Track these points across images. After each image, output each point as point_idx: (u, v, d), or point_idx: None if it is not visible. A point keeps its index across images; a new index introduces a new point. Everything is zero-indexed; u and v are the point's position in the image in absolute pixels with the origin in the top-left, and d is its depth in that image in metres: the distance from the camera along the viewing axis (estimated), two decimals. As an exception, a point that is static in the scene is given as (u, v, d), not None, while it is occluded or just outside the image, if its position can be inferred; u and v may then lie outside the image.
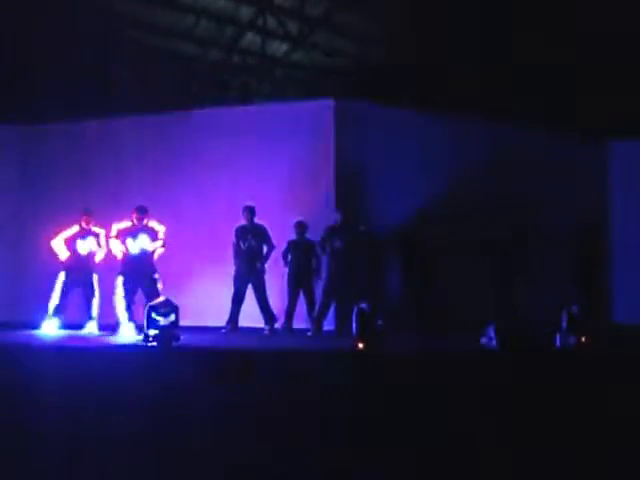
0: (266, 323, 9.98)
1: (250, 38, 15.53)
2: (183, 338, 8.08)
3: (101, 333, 9.54)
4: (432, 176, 11.22)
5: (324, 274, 10.11)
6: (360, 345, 7.73)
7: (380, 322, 8.00)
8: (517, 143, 11.79)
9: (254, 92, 16.04)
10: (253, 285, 10.00)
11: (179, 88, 14.98)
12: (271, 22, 15.15)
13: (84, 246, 9.93)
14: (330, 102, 10.93)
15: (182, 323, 8.22)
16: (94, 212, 10.08)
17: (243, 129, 11.08)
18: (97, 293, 9.87)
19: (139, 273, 9.46)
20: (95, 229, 10.02)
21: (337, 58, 15.88)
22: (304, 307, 10.16)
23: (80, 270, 9.86)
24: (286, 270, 10.18)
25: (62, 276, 9.84)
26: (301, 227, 10.15)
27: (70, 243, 9.91)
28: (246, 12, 15.00)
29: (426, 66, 14.20)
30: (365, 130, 10.97)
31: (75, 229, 9.97)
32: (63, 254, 9.89)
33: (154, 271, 9.55)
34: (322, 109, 10.90)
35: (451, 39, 13.80)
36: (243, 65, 15.95)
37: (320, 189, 10.74)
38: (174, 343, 7.90)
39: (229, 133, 11.14)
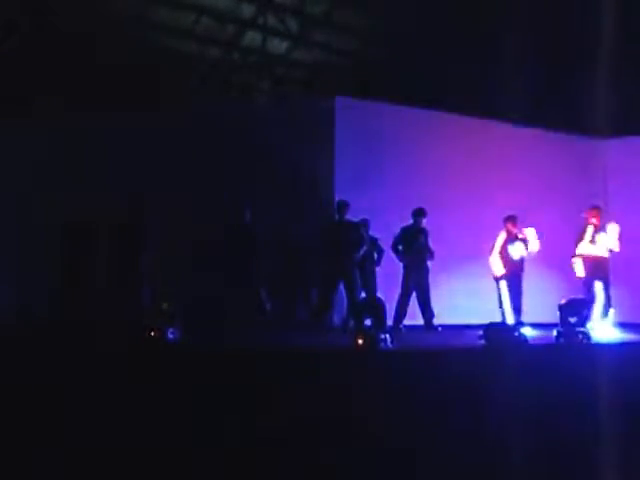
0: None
1: (251, 36, 15.53)
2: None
3: None
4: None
5: None
6: (360, 341, 7.74)
7: None
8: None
9: (254, 90, 16.04)
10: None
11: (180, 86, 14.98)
12: (271, 20, 15.17)
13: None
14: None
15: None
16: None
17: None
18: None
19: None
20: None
21: (338, 56, 15.89)
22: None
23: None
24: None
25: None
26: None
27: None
28: (247, 10, 15.01)
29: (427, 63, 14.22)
30: (366, 127, 11.01)
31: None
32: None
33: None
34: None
35: (452, 36, 13.82)
36: (243, 63, 15.95)
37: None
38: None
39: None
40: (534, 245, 10.56)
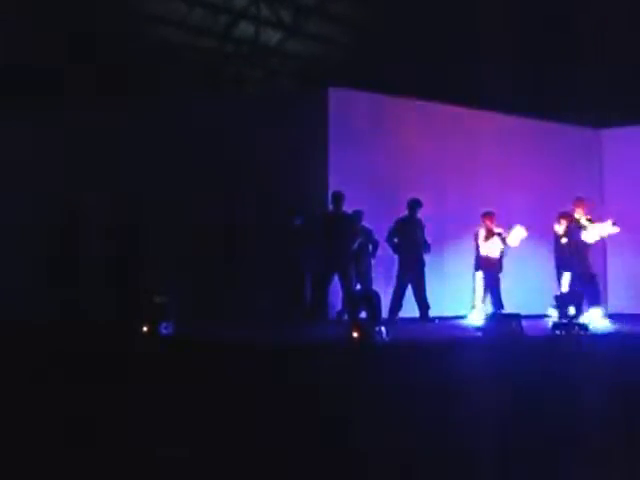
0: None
1: (243, 27, 15.43)
2: None
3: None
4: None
5: None
6: (355, 334, 7.67)
7: None
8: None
9: (247, 81, 15.94)
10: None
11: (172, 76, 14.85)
12: (264, 11, 15.07)
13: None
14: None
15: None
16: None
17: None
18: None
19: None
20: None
21: (331, 47, 15.79)
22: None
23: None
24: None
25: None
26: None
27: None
28: (240, 0, 14.91)
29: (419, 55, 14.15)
30: (360, 118, 10.93)
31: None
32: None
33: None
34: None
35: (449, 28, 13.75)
36: (236, 54, 15.84)
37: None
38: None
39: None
40: (512, 240, 10.61)
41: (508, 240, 10.63)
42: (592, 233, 10.27)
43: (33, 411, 4.52)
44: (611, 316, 11.18)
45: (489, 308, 10.52)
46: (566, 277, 10.31)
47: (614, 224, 10.33)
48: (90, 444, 3.81)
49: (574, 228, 10.28)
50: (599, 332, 8.99)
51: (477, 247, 10.70)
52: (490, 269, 10.64)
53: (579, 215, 10.36)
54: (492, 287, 10.65)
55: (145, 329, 7.96)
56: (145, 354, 6.98)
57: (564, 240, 10.35)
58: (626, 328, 9.73)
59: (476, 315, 10.27)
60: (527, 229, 10.66)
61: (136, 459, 3.57)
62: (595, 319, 9.89)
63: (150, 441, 3.88)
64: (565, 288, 10.19)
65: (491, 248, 10.60)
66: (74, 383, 5.34)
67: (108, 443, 3.82)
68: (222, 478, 3.37)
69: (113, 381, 5.40)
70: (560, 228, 10.44)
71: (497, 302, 10.60)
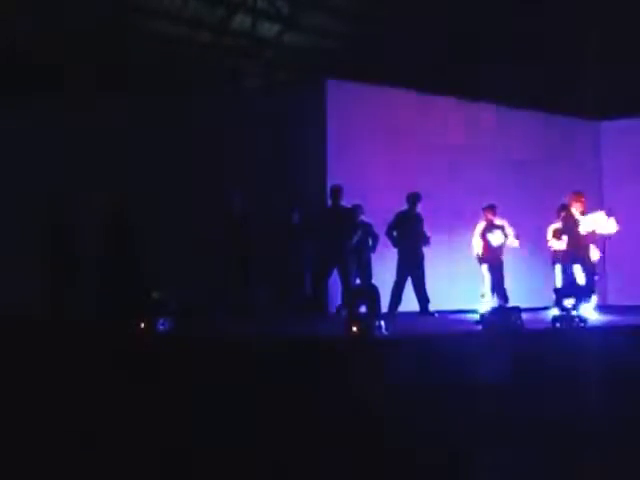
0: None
1: (240, 19, 15.34)
2: None
3: None
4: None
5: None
6: (354, 328, 7.62)
7: None
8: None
9: (244, 74, 15.86)
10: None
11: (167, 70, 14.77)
12: (261, 3, 14.97)
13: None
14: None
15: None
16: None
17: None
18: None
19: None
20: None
21: (329, 38, 15.71)
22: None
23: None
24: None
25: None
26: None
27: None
28: (236, -8, 14.82)
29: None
30: (358, 110, 10.88)
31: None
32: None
33: None
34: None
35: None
36: (233, 47, 15.75)
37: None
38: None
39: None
40: (511, 234, 10.63)
41: (507, 241, 10.63)
42: (586, 224, 10.11)
43: (24, 410, 4.49)
44: (611, 308, 11.18)
45: (495, 301, 10.48)
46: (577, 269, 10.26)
47: (608, 214, 10.15)
48: (83, 442, 3.77)
49: (571, 224, 10.16)
50: (599, 324, 8.96)
51: (481, 240, 10.64)
52: (493, 262, 10.61)
53: (575, 209, 10.17)
54: (496, 280, 10.60)
55: (142, 325, 7.90)
56: (139, 351, 6.94)
57: (564, 237, 10.27)
58: (626, 320, 9.70)
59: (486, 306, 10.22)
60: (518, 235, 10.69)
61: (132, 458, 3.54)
62: (587, 311, 9.86)
63: (143, 439, 3.84)
64: (563, 281, 10.15)
65: (493, 241, 10.56)
66: (63, 379, 5.31)
67: (101, 441, 3.78)
68: (222, 478, 3.34)
69: (103, 378, 5.36)
70: (558, 224, 10.38)
71: (502, 295, 10.56)
